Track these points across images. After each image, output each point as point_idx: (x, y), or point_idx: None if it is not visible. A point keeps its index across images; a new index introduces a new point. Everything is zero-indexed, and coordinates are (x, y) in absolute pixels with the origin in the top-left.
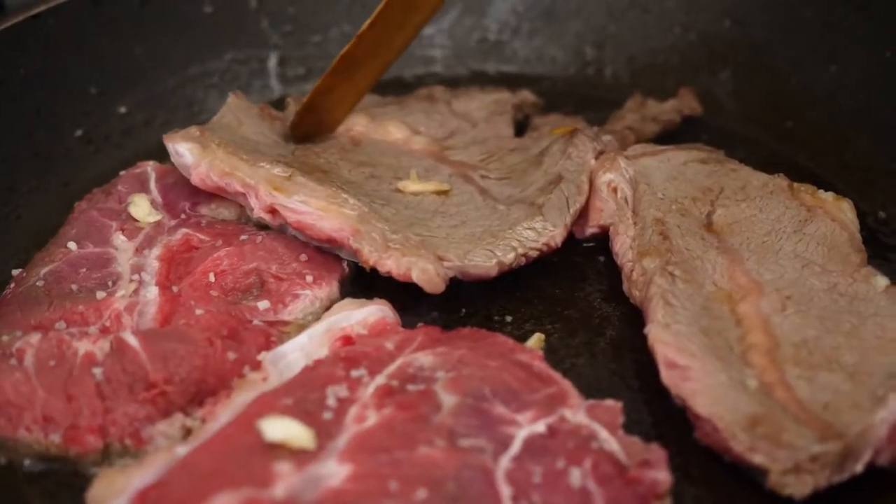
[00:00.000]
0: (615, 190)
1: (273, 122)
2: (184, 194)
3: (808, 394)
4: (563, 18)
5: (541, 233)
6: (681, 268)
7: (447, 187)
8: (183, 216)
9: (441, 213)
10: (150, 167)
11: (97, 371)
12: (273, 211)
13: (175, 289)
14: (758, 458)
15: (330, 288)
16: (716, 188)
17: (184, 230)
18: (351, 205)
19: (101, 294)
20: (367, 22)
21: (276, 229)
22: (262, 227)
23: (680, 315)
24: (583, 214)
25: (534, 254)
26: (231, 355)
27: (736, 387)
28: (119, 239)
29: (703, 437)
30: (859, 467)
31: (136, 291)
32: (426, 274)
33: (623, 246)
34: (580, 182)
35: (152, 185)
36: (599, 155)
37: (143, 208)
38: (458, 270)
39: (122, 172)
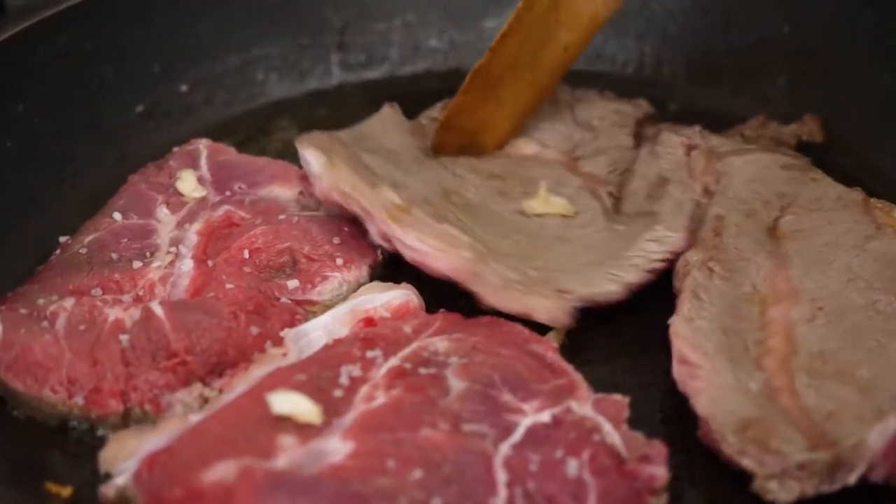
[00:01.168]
0: (708, 192)
1: (424, 138)
2: (233, 172)
3: (813, 402)
4: (625, 17)
5: (662, 242)
6: (722, 265)
7: (572, 210)
8: (228, 193)
9: (564, 238)
10: (202, 144)
11: (124, 338)
12: (389, 240)
13: (210, 263)
14: (746, 462)
15: (359, 272)
16: (791, 195)
17: (226, 207)
18: (467, 245)
19: (137, 264)
20: (499, 34)
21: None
22: (303, 207)
23: (705, 311)
24: None
25: (659, 265)
26: (254, 330)
27: (739, 389)
28: (163, 212)
29: (703, 437)
30: (852, 479)
31: (171, 263)
32: (548, 313)
33: None
34: (685, 180)
35: (203, 161)
36: (689, 150)
37: (189, 183)
38: (583, 300)
39: (176, 148)
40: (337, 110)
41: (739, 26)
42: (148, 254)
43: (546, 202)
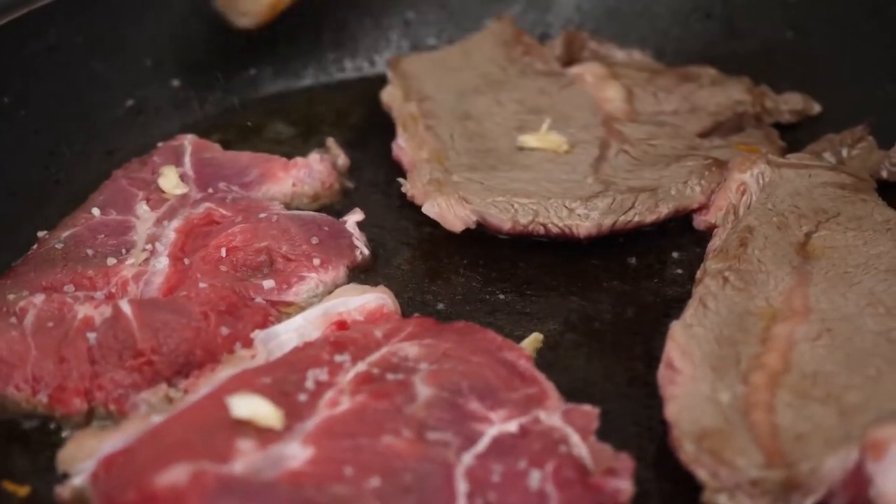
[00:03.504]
0: (743, 192)
1: (523, 54)
2: (217, 170)
3: (788, 421)
4: (628, 19)
5: (570, 215)
6: (739, 276)
7: (565, 148)
8: (210, 190)
9: (530, 167)
10: (187, 140)
11: (91, 336)
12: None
13: (187, 261)
14: (700, 472)
15: (336, 273)
16: (832, 211)
17: (207, 204)
18: (428, 150)
19: (112, 261)
20: None
21: None
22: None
23: (708, 319)
24: (705, 205)
25: (553, 229)
26: (224, 330)
27: (710, 399)
28: (142, 208)
29: (671, 444)
30: (808, 503)
31: (146, 261)
32: (437, 209)
33: (711, 247)
34: (659, 208)
35: (187, 158)
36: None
37: (171, 180)
38: (478, 215)
39: (161, 144)
40: (332, 108)
41: (742, 31)
42: (124, 250)
43: (541, 139)
